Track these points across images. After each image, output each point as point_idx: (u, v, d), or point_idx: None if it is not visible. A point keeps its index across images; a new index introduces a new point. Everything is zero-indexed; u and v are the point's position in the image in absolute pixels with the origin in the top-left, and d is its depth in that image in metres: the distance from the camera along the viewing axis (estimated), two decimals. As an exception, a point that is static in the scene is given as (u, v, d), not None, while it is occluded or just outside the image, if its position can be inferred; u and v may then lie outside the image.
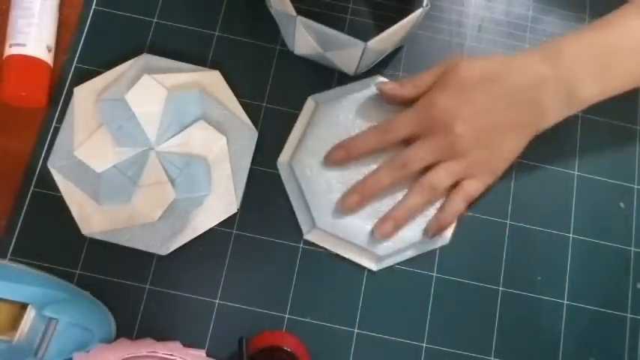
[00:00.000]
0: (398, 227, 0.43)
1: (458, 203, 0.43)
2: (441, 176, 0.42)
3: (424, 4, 0.43)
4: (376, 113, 0.45)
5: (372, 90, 0.46)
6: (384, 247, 0.43)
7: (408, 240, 0.43)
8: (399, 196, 0.43)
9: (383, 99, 0.45)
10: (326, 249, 0.43)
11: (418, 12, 0.42)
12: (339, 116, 0.45)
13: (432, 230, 0.43)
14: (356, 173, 0.44)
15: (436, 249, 0.44)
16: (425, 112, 0.42)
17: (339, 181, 0.44)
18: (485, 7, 0.50)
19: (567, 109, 0.42)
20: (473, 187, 0.43)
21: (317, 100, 0.45)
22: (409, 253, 0.43)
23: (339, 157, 0.43)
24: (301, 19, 0.40)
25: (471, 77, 0.42)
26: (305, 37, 0.42)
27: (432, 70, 0.44)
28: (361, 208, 0.43)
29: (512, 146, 0.43)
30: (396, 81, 0.45)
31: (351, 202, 0.43)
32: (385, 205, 0.43)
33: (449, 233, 0.44)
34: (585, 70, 0.41)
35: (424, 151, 0.42)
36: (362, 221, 0.43)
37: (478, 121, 0.41)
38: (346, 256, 0.43)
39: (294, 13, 0.41)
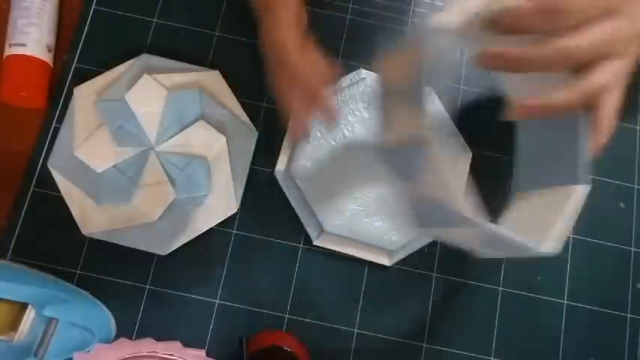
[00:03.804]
0: (529, 116, 0.35)
1: (611, 122, 0.35)
2: (613, 78, 0.33)
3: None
4: (368, 110, 0.45)
5: (360, 86, 0.46)
6: (395, 241, 0.43)
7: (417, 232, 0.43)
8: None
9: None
10: (331, 250, 0.43)
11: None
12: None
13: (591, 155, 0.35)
14: (355, 175, 0.44)
15: (437, 247, 0.44)
16: None
17: (340, 183, 0.44)
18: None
19: None
20: (618, 101, 0.35)
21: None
22: (418, 244, 0.43)
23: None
24: None
25: None
26: None
27: None
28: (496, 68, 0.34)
29: None
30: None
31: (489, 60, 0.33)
32: (390, 203, 0.43)
33: None
34: None
35: (615, 33, 0.32)
36: (370, 219, 0.43)
37: None
38: (358, 255, 0.43)
39: None
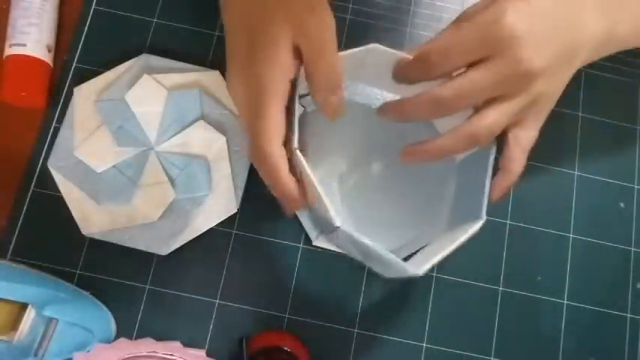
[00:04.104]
0: (417, 161, 0.37)
1: (521, 161, 0.36)
2: (495, 122, 0.34)
3: (482, 216, 0.37)
4: (364, 112, 0.45)
5: (355, 89, 0.45)
6: (394, 241, 0.42)
7: (416, 231, 0.42)
8: (400, 200, 0.43)
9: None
10: (331, 250, 0.43)
11: (467, 234, 0.36)
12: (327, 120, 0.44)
13: (497, 196, 0.37)
14: (354, 173, 0.44)
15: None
16: (488, 31, 0.33)
17: (339, 182, 0.44)
18: (485, 7, 0.50)
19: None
20: (530, 140, 0.36)
21: (303, 105, 0.45)
22: (418, 244, 0.42)
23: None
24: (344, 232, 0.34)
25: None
26: (346, 244, 0.38)
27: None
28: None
29: (568, 78, 0.36)
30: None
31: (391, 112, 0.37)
32: (389, 203, 0.43)
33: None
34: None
35: (485, 80, 0.33)
36: (370, 227, 0.43)
37: (553, 41, 0.33)
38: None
39: (337, 223, 0.34)
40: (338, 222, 0.33)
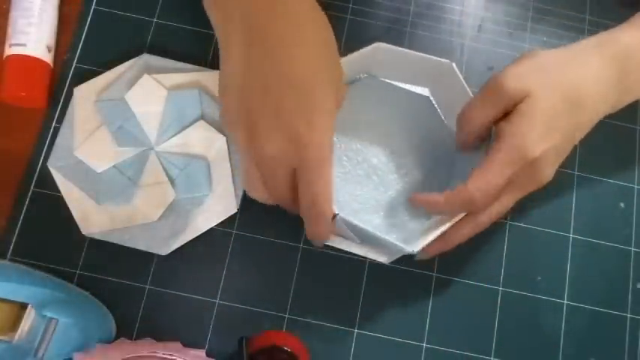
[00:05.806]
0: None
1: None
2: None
3: None
4: (365, 103, 0.45)
5: (361, 84, 0.45)
6: (394, 239, 0.42)
7: (418, 229, 0.43)
8: (405, 186, 0.44)
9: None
10: (331, 247, 0.43)
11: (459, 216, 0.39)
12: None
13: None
14: (356, 168, 0.44)
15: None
16: (518, 164, 0.37)
17: (342, 179, 0.44)
18: (485, 7, 0.50)
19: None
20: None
21: None
22: (419, 243, 0.43)
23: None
24: (342, 218, 0.37)
25: (554, 107, 0.37)
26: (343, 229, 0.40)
27: (489, 104, 0.38)
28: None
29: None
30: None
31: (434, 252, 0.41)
32: (392, 197, 0.43)
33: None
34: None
35: (511, 198, 0.39)
36: (370, 216, 0.43)
37: (561, 155, 0.39)
38: (359, 252, 0.43)
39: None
40: (335, 210, 0.36)
